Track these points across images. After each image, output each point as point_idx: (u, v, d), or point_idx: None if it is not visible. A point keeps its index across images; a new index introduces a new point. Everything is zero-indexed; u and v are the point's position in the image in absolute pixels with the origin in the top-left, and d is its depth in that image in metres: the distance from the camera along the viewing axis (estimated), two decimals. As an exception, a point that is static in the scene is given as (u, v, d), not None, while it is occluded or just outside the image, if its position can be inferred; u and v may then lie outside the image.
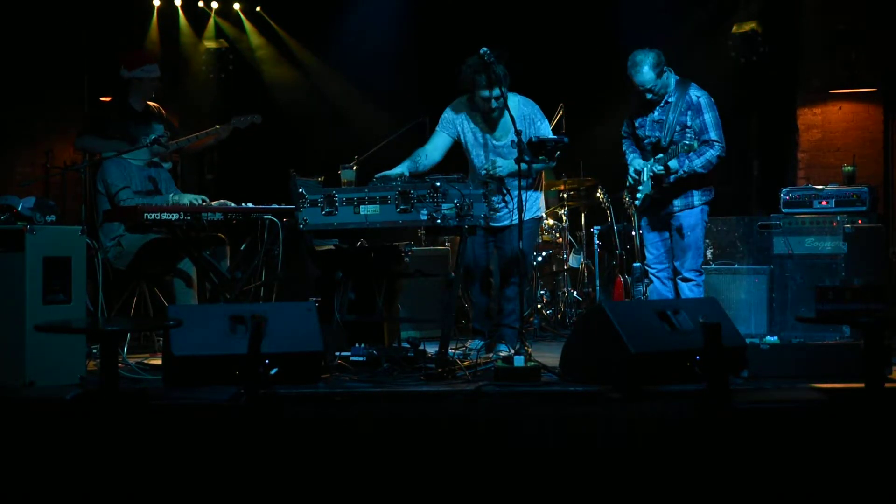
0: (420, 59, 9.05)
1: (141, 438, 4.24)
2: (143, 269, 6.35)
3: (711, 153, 6.03)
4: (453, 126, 6.27)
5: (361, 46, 9.14)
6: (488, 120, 6.16)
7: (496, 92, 5.95)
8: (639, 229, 6.44)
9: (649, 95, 6.09)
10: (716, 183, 6.23)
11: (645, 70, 6.01)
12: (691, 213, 6.16)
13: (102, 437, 3.87)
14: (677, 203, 6.17)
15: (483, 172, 6.11)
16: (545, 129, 6.17)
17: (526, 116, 6.07)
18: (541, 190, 6.40)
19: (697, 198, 6.17)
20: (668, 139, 6.07)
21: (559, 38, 9.02)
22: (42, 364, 5.04)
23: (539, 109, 6.20)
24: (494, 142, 6.18)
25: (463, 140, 6.27)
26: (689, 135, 6.03)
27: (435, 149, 6.27)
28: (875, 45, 8.42)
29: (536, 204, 6.31)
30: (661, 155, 6.07)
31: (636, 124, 6.26)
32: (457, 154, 6.39)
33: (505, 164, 6.04)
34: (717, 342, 4.42)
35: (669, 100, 6.10)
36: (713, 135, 6.03)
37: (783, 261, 6.96)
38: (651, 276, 6.34)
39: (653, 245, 6.32)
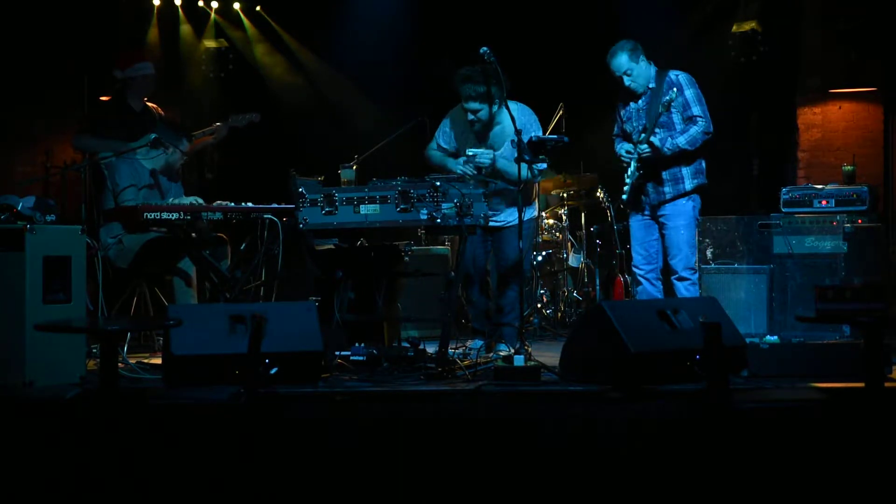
0: (420, 58, 9.04)
1: (141, 438, 4.24)
2: (143, 268, 6.35)
3: (695, 129, 6.01)
4: (451, 137, 6.29)
5: (361, 46, 9.14)
6: (480, 131, 6.17)
7: (473, 105, 6.00)
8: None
9: (627, 81, 6.09)
10: (708, 170, 6.20)
11: (619, 54, 6.07)
12: (682, 205, 6.12)
13: (102, 437, 3.86)
14: (668, 190, 6.12)
15: (462, 160, 6.09)
16: (538, 131, 6.17)
17: (525, 126, 6.01)
18: (537, 191, 6.43)
19: (688, 181, 6.11)
20: (653, 122, 6.06)
21: (559, 38, 9.02)
22: (42, 364, 5.04)
23: (536, 119, 6.19)
24: (494, 152, 6.18)
25: (462, 150, 6.28)
26: (673, 111, 6.03)
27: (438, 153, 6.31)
28: (875, 45, 8.43)
29: (533, 205, 6.32)
30: (643, 135, 6.06)
31: (623, 118, 6.26)
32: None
33: (497, 157, 6.03)
34: (717, 342, 4.42)
35: (651, 86, 6.12)
36: (696, 110, 6.02)
37: (783, 260, 6.95)
38: (639, 277, 6.28)
39: (641, 245, 6.29)
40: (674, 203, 6.12)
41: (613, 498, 4.23)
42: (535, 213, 6.46)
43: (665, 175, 6.11)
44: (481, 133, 6.19)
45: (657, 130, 6.05)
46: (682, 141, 6.01)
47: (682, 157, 6.07)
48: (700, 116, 6.02)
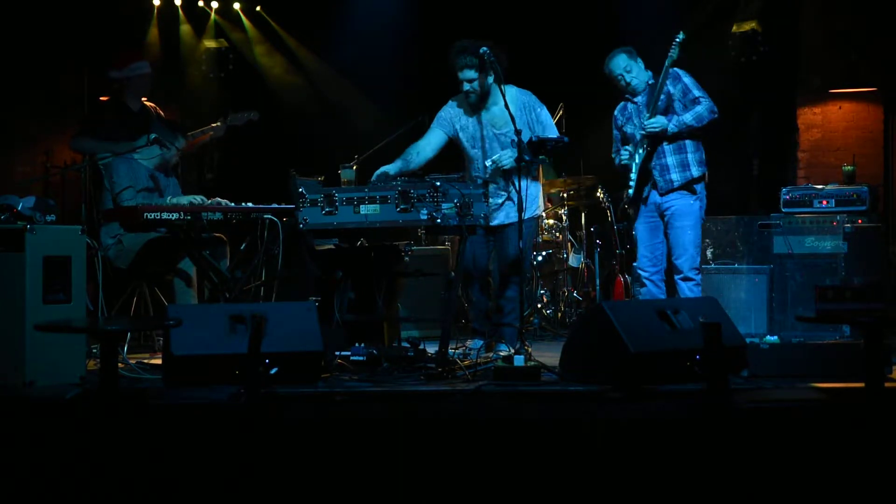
0: (420, 58, 9.05)
1: (141, 438, 4.24)
2: (143, 268, 6.36)
3: (700, 108, 6.03)
4: (449, 123, 6.29)
5: (361, 46, 9.14)
6: (477, 108, 6.19)
7: (469, 74, 6.03)
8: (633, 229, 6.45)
9: (628, 77, 6.13)
10: (708, 157, 6.22)
11: (618, 55, 6.15)
12: (690, 205, 6.11)
13: (102, 437, 3.86)
14: (675, 178, 6.12)
15: (489, 163, 6.10)
16: (545, 116, 6.20)
17: (526, 104, 6.11)
18: (540, 186, 6.42)
19: (695, 168, 6.11)
20: (655, 102, 6.07)
21: (559, 38, 9.02)
22: (42, 364, 5.04)
23: (537, 98, 6.22)
24: (495, 130, 6.19)
25: (461, 136, 6.28)
26: (675, 101, 6.05)
27: (428, 144, 6.28)
28: (875, 45, 8.43)
29: (536, 202, 6.32)
30: (647, 113, 6.09)
31: (624, 121, 6.28)
32: (452, 153, 6.40)
33: (510, 154, 6.04)
34: (718, 342, 4.42)
35: (650, 82, 6.16)
36: (697, 93, 6.06)
37: (783, 260, 6.96)
38: (644, 279, 6.29)
39: (647, 248, 6.29)
40: (682, 198, 6.11)
41: (614, 498, 4.23)
42: (539, 213, 6.45)
43: (672, 161, 6.11)
44: (476, 105, 6.20)
45: (658, 117, 6.07)
46: (688, 118, 6.02)
47: (689, 139, 6.07)
48: (702, 97, 6.05)
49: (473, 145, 6.27)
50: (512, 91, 6.08)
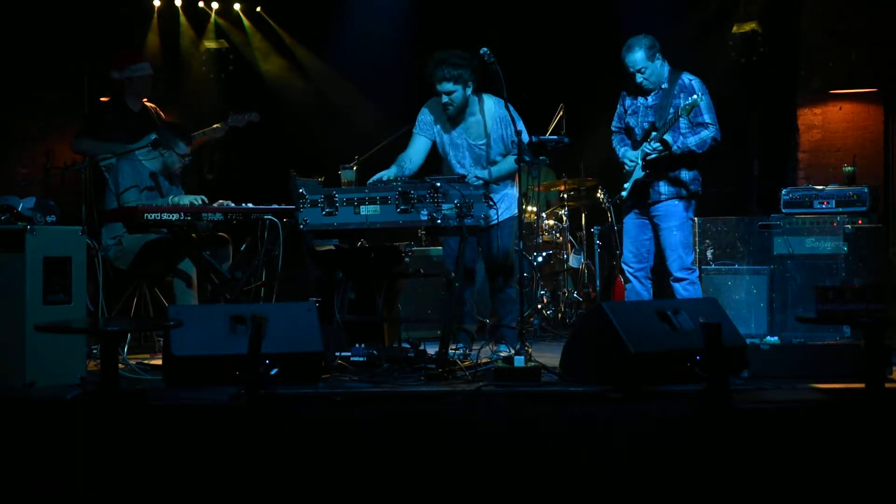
0: (420, 58, 9.03)
1: (141, 438, 4.24)
2: (143, 269, 6.36)
3: (706, 133, 6.03)
4: (430, 128, 6.24)
5: (362, 46, 9.14)
6: (456, 120, 6.13)
7: (447, 87, 5.95)
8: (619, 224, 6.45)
9: (640, 78, 6.09)
10: (703, 174, 6.22)
11: (636, 49, 6.06)
12: (674, 206, 6.13)
13: (102, 437, 3.86)
14: (664, 190, 6.14)
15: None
16: (520, 126, 6.13)
17: (502, 118, 6.00)
18: (515, 189, 6.37)
19: (686, 186, 6.13)
20: (662, 122, 6.06)
21: (559, 38, 9.03)
22: (42, 364, 5.04)
23: (512, 108, 6.16)
24: (470, 140, 6.14)
25: (439, 142, 6.24)
26: (681, 118, 6.04)
27: (416, 152, 6.22)
28: (875, 45, 8.43)
29: (514, 203, 6.24)
30: (654, 133, 6.07)
31: (629, 111, 6.26)
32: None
33: (482, 175, 6.02)
34: (718, 342, 4.42)
35: (663, 86, 6.12)
36: (707, 117, 6.05)
37: (783, 261, 6.96)
38: (629, 274, 6.30)
39: (633, 244, 6.29)
40: (667, 204, 6.13)
41: (614, 498, 4.23)
42: (515, 212, 6.40)
43: (664, 177, 6.12)
44: (454, 118, 6.13)
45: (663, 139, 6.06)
46: (692, 142, 6.03)
47: (686, 161, 6.08)
48: (711, 124, 6.05)
49: (447, 152, 6.22)
50: (489, 102, 6.02)
